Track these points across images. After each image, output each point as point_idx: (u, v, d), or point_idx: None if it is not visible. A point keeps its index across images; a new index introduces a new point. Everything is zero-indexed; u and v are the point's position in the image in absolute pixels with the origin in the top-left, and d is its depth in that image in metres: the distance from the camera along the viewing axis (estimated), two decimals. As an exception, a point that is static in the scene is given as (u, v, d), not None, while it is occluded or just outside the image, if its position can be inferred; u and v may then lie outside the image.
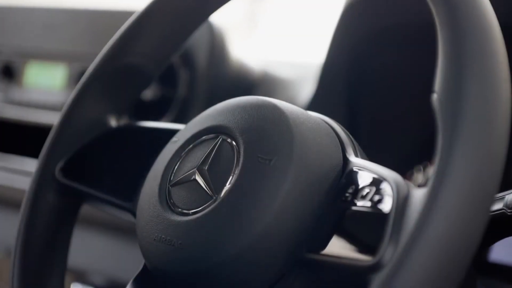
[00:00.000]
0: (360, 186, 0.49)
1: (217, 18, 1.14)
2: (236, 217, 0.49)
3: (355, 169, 0.51)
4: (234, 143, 0.53)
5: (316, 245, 0.49)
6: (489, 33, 0.45)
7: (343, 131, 0.56)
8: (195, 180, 0.54)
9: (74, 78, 1.25)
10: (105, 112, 0.69)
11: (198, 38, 1.12)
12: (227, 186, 0.51)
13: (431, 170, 0.43)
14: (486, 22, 0.46)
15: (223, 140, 0.54)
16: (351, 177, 0.51)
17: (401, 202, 0.45)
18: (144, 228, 0.55)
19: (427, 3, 0.49)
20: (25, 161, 1.26)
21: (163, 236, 0.53)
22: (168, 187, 0.56)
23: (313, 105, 1.02)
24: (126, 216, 0.65)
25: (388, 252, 0.43)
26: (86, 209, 0.70)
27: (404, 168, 0.94)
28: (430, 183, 0.42)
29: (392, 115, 1.00)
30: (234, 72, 1.16)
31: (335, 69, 1.00)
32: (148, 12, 0.67)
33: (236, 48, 1.18)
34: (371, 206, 0.47)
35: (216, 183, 0.52)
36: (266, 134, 0.52)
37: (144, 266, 0.58)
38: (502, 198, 0.59)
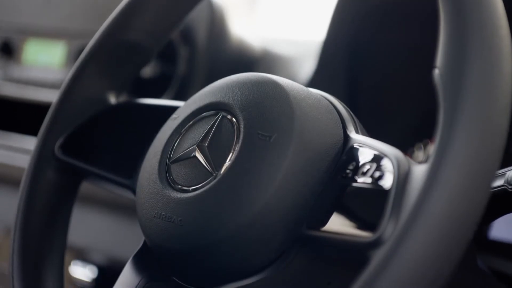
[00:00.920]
0: (361, 163, 0.49)
1: (217, -6, 1.14)
2: (236, 194, 0.49)
3: (355, 145, 0.51)
4: (234, 119, 0.53)
5: (316, 221, 0.49)
6: (491, 7, 0.45)
7: (344, 107, 0.56)
8: (195, 157, 0.54)
9: (73, 55, 1.24)
10: (104, 89, 0.69)
11: (198, 15, 1.11)
12: (227, 162, 0.51)
13: (432, 147, 0.43)
14: None
15: (223, 116, 0.54)
16: (351, 153, 0.50)
17: (402, 179, 0.45)
18: (144, 205, 0.55)
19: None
20: (24, 138, 1.26)
21: (163, 213, 0.53)
22: (168, 164, 0.56)
23: (313, 82, 1.02)
24: (125, 193, 0.65)
25: (389, 229, 0.43)
26: (86, 187, 0.70)
27: (405, 145, 0.94)
28: (431, 159, 0.42)
29: (393, 91, 1.00)
30: (234, 49, 1.15)
31: (336, 46, 1.00)
32: (147, -13, 0.67)
33: (236, 25, 1.17)
34: (372, 183, 0.47)
35: (216, 159, 0.52)
36: (266, 111, 0.52)
37: (144, 243, 0.58)
38: (503, 174, 0.59)
